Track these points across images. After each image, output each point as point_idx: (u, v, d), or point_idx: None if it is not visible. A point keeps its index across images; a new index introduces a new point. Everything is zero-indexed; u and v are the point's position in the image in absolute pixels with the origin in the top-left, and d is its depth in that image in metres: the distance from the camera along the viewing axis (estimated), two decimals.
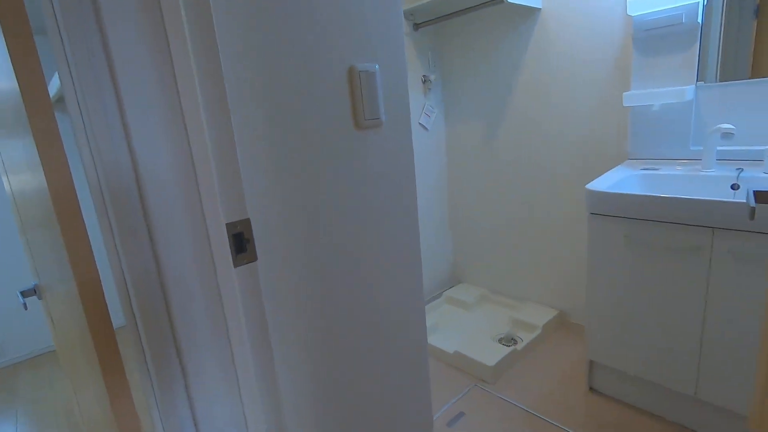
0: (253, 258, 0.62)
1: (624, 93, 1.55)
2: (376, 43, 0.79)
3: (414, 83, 2.12)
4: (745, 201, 1.10)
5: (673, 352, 1.31)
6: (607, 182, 1.42)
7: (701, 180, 1.40)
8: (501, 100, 2.04)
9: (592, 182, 1.43)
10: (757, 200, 0.64)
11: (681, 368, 1.30)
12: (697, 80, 1.45)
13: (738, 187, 1.34)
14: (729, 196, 1.35)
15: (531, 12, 1.83)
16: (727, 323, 1.18)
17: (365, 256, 0.83)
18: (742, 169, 1.36)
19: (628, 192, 1.29)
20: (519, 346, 1.84)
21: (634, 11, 1.48)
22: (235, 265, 0.59)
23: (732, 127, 1.30)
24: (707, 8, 1.40)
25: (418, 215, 0.92)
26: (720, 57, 1.41)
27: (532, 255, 2.13)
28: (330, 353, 0.80)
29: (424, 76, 2.14)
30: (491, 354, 1.77)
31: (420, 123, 2.19)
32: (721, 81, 1.41)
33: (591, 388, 1.60)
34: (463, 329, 2.08)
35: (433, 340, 1.97)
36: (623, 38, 1.60)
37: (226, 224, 0.58)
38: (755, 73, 1.36)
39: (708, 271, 1.19)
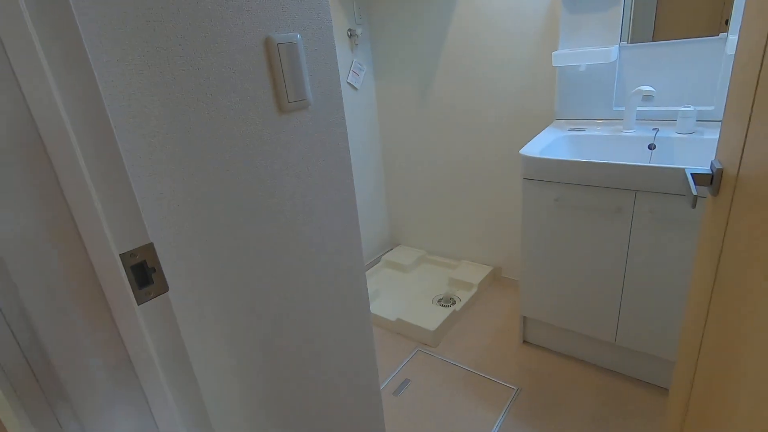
0: (163, 289, 0.51)
1: (553, 53, 1.53)
2: (295, 7, 0.65)
3: (339, 38, 1.94)
4: (660, 165, 1.16)
5: (597, 306, 1.41)
6: (538, 146, 1.43)
7: (622, 140, 1.45)
8: (433, 57, 1.94)
9: (525, 147, 1.43)
10: (696, 182, 0.64)
11: (603, 319, 1.41)
12: (620, 40, 1.47)
13: (654, 147, 1.41)
14: (647, 156, 1.42)
15: None
16: (644, 278, 1.28)
17: (297, 257, 0.74)
18: (658, 129, 1.43)
19: (558, 158, 1.30)
20: (457, 307, 1.89)
21: None
22: (139, 301, 0.48)
23: (652, 89, 1.34)
24: None
25: (356, 205, 0.83)
26: (636, 17, 1.42)
27: (466, 214, 2.16)
28: (273, 373, 0.73)
29: (350, 30, 1.96)
30: (432, 317, 1.80)
31: (348, 82, 2.04)
32: (636, 42, 1.44)
33: (524, 341, 1.70)
34: (403, 293, 2.10)
35: (376, 308, 1.97)
36: None
37: (121, 255, 0.46)
38: (646, 36, 1.41)
39: (630, 230, 1.27)
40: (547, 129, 1.62)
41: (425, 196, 2.27)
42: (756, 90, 0.52)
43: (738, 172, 0.56)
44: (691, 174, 0.65)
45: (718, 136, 1.32)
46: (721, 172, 0.63)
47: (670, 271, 1.23)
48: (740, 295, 0.54)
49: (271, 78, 0.64)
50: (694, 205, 0.59)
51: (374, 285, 2.15)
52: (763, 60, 0.51)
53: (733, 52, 1.27)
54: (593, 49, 1.48)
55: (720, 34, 1.31)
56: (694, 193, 0.59)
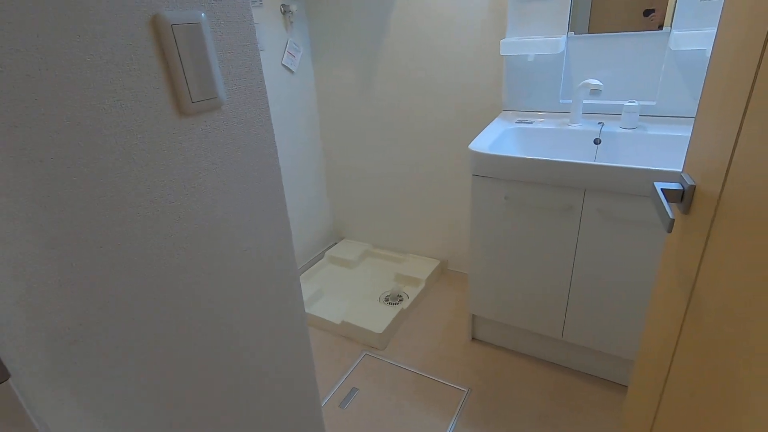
0: (3, 375, 0.36)
1: (501, 41, 1.46)
2: None
3: (272, 15, 1.74)
4: (607, 165, 1.13)
5: (545, 303, 1.39)
6: (487, 139, 1.36)
7: (569, 135, 1.43)
8: (375, 41, 1.80)
9: (473, 141, 1.36)
10: (668, 199, 0.58)
11: (551, 316, 1.40)
12: (568, 30, 1.42)
13: (600, 141, 1.39)
14: (593, 151, 1.40)
15: None
16: (591, 276, 1.27)
17: (223, 300, 0.60)
18: (603, 124, 1.41)
19: (507, 155, 1.24)
20: (405, 304, 1.82)
21: None
22: None
23: (600, 83, 1.31)
24: None
25: (288, 221, 0.70)
26: (577, 7, 1.38)
27: (413, 205, 2.08)
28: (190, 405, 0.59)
29: (283, 5, 1.76)
30: (379, 318, 1.72)
31: (283, 64, 1.85)
32: (578, 33, 1.40)
33: (473, 338, 1.67)
34: (348, 291, 2.00)
35: (319, 309, 1.84)
36: None
37: None
38: (593, 28, 1.38)
39: (578, 228, 1.24)
40: (495, 121, 1.55)
41: (370, 187, 2.16)
42: (751, 93, 0.46)
43: (722, 189, 0.50)
44: (662, 189, 0.59)
45: (660, 132, 1.35)
46: (693, 188, 0.57)
47: (617, 269, 1.23)
48: (732, 336, 0.48)
49: (165, 72, 0.48)
50: (669, 230, 0.53)
51: (317, 284, 2.02)
52: (760, 64, 0.44)
53: (678, 48, 1.27)
54: (542, 38, 1.42)
55: (663, 28, 1.29)
56: (671, 216, 0.53)
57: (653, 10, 1.30)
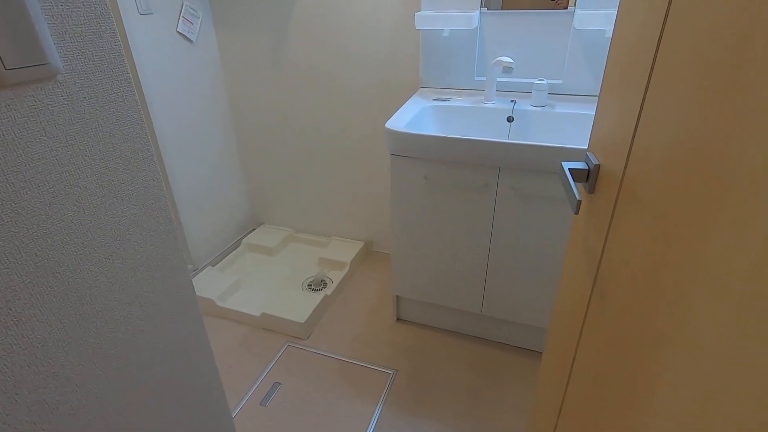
0: None
1: (416, 14, 1.41)
2: None
3: None
4: (517, 142, 1.14)
5: (465, 280, 1.41)
6: (404, 118, 1.32)
7: (484, 112, 1.43)
8: (286, 9, 1.66)
9: (390, 119, 1.31)
10: (574, 179, 0.57)
11: (471, 292, 1.43)
12: (481, 6, 1.41)
13: (512, 119, 1.42)
14: (506, 129, 1.42)
15: None
16: (507, 251, 1.31)
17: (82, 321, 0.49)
18: (515, 102, 1.44)
19: (425, 133, 1.21)
20: (329, 290, 1.76)
21: None
22: None
23: (511, 61, 1.32)
24: None
25: (169, 213, 0.59)
26: None
27: (334, 187, 2.00)
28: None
29: None
30: (302, 306, 1.64)
31: (179, 31, 1.64)
32: (491, 9, 1.40)
33: (398, 319, 1.67)
34: (269, 280, 1.89)
35: (236, 302, 1.72)
36: None
37: None
38: (506, 4, 1.38)
39: (494, 205, 1.26)
40: (412, 98, 1.51)
41: (289, 168, 2.03)
42: (650, 74, 0.44)
43: (625, 169, 0.50)
44: (569, 169, 0.58)
45: (567, 110, 1.40)
46: (598, 168, 0.57)
47: (532, 245, 1.27)
48: (633, 320, 0.48)
49: None
50: (577, 211, 0.52)
51: (234, 274, 1.89)
52: (659, 44, 0.43)
53: (582, 27, 1.31)
54: (456, 12, 1.39)
55: (569, 7, 1.32)
56: (578, 197, 0.51)
57: None
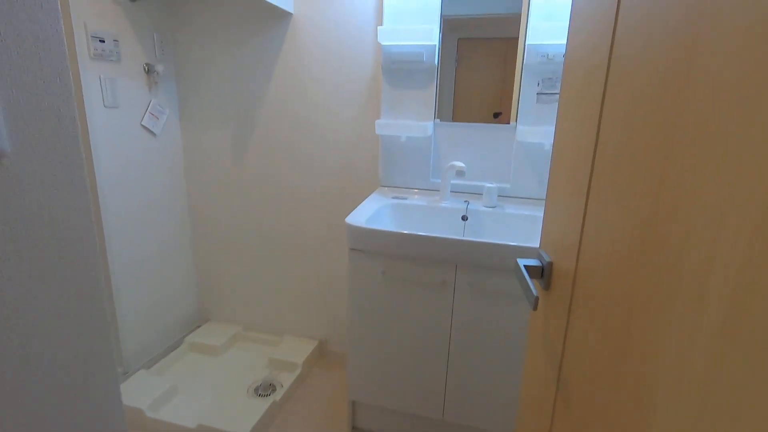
0: None
1: (376, 121, 1.53)
2: None
3: (132, 72, 1.58)
4: (474, 240, 1.19)
5: (425, 382, 1.34)
6: (364, 214, 1.35)
7: (440, 211, 1.50)
8: (251, 109, 1.75)
9: (350, 214, 1.33)
10: (530, 275, 0.58)
11: (431, 396, 1.34)
12: (435, 117, 1.56)
13: (467, 218, 1.49)
14: (461, 227, 1.49)
15: (283, 15, 1.61)
16: (466, 350, 1.27)
17: None
18: (469, 202, 1.52)
19: (384, 229, 1.24)
20: (278, 395, 1.60)
21: (383, 40, 1.46)
22: None
23: (463, 165, 1.43)
24: (441, 53, 1.51)
25: (106, 319, 0.54)
26: (441, 100, 1.54)
27: (288, 282, 1.93)
28: None
29: (147, 64, 1.63)
30: (246, 416, 1.47)
31: (143, 125, 1.66)
32: (444, 120, 1.55)
33: (354, 427, 1.52)
34: (211, 385, 1.70)
35: (169, 412, 1.51)
36: (374, 67, 1.58)
37: None
38: (456, 117, 1.55)
39: (453, 302, 1.25)
40: (372, 196, 1.57)
41: (242, 262, 1.97)
42: (590, 179, 0.49)
43: (576, 265, 0.52)
44: (524, 266, 0.59)
45: (516, 211, 1.50)
46: (551, 265, 0.59)
47: (491, 343, 1.25)
48: (597, 418, 0.46)
49: None
50: (535, 307, 0.52)
51: (171, 379, 1.69)
52: (594, 155, 0.48)
53: (523, 140, 1.47)
54: (412, 122, 1.53)
55: (511, 122, 1.49)
56: (535, 293, 0.52)
57: (500, 113, 1.51)
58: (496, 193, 1.48)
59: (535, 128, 1.41)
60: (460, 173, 1.44)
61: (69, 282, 0.49)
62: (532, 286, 0.54)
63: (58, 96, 0.46)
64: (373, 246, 1.26)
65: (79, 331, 0.51)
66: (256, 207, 1.87)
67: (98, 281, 0.52)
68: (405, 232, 1.22)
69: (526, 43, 1.41)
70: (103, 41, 1.44)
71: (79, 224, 0.49)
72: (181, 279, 1.97)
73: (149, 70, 1.63)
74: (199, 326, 2.08)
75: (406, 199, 1.54)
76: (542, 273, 0.61)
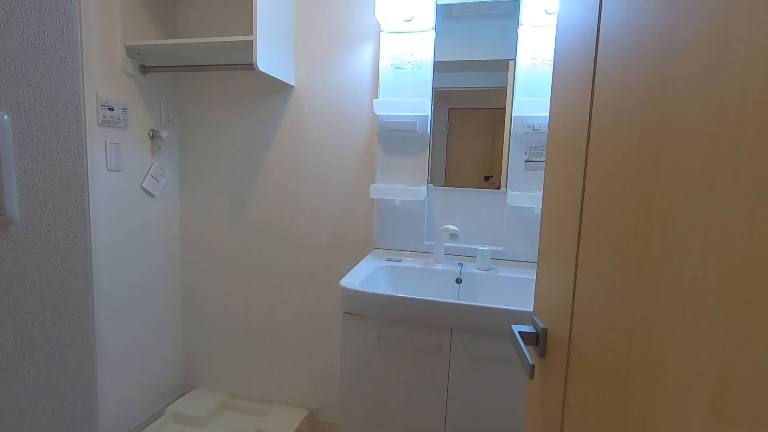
0: None
1: (371, 185, 1.58)
2: (2, 69, 0.41)
3: (137, 138, 1.65)
4: (468, 303, 1.18)
5: None
6: (358, 277, 1.35)
7: (434, 274, 1.50)
8: (250, 174, 1.80)
9: (344, 277, 1.33)
10: (525, 342, 0.58)
11: None
12: (428, 182, 1.61)
13: (461, 281, 1.49)
14: (455, 290, 1.48)
15: (284, 87, 1.72)
16: (464, 418, 1.22)
17: None
18: (462, 264, 1.53)
19: (379, 292, 1.23)
20: None
21: (378, 111, 1.55)
22: None
23: (457, 229, 1.46)
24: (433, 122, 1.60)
25: (95, 392, 0.52)
26: (434, 166, 1.61)
27: (279, 348, 1.87)
28: None
29: (152, 130, 1.70)
30: None
31: (143, 187, 1.70)
32: (437, 185, 1.61)
33: None
34: None
35: None
36: (370, 133, 1.66)
37: None
38: (449, 182, 1.60)
39: (449, 368, 1.22)
40: (366, 258, 1.58)
41: (231, 326, 1.92)
42: (578, 245, 0.50)
43: (570, 332, 0.52)
44: (519, 333, 0.59)
45: (509, 274, 1.51)
46: (545, 331, 0.59)
47: (488, 410, 1.20)
48: None
49: None
50: (531, 376, 0.52)
51: None
52: (581, 221, 0.50)
53: (514, 204, 1.51)
54: (406, 186, 1.58)
55: (502, 188, 1.55)
56: (530, 362, 0.52)
57: (491, 177, 1.57)
58: (489, 256, 1.49)
59: (524, 193, 1.46)
60: (453, 236, 1.46)
61: (58, 356, 0.48)
62: (527, 354, 0.53)
63: (71, 166, 0.48)
64: (367, 310, 1.25)
65: (61, 409, 0.49)
66: (249, 269, 1.86)
67: (89, 353, 0.51)
68: (400, 295, 1.21)
69: (513, 114, 1.50)
70: (113, 109, 1.51)
71: (76, 289, 0.49)
72: (168, 341, 1.91)
73: (153, 136, 1.70)
74: (183, 394, 1.97)
75: (400, 261, 1.55)
76: (537, 340, 0.60)
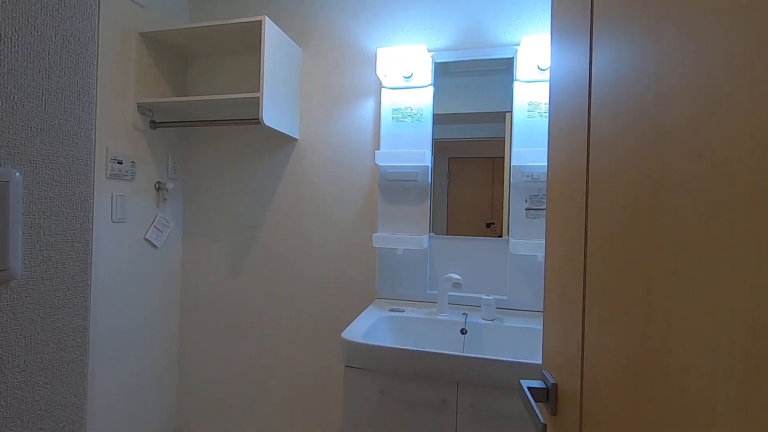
0: None
1: (373, 234, 1.58)
2: (20, 134, 0.43)
3: (143, 189, 1.68)
4: (474, 356, 1.15)
5: None
6: (360, 328, 1.32)
7: (438, 324, 1.47)
8: (252, 225, 1.82)
9: (346, 329, 1.30)
10: (535, 399, 0.55)
11: None
12: (430, 231, 1.62)
13: (466, 331, 1.45)
14: (461, 341, 1.44)
15: (288, 140, 1.78)
16: None
17: None
18: (467, 314, 1.50)
19: (382, 344, 1.20)
20: None
21: (380, 162, 1.59)
22: None
23: (460, 277, 1.44)
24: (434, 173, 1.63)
25: None
26: (435, 214, 1.62)
27: (278, 404, 1.79)
28: None
29: (158, 183, 1.73)
30: None
31: (146, 238, 1.71)
32: (438, 234, 1.61)
33: None
34: None
35: None
36: (371, 184, 1.69)
37: None
38: (450, 231, 1.61)
39: (456, 425, 1.16)
40: (368, 308, 1.55)
41: (229, 381, 1.85)
42: (584, 296, 0.49)
43: (582, 388, 0.50)
44: (528, 388, 0.57)
45: (515, 324, 1.47)
46: (555, 387, 0.57)
47: None
48: None
49: None
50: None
51: None
52: (585, 274, 0.49)
53: (516, 252, 1.50)
54: (408, 235, 1.58)
55: (503, 236, 1.55)
56: (542, 421, 0.49)
57: (493, 223, 1.58)
58: (494, 305, 1.46)
59: (527, 241, 1.46)
60: (456, 285, 1.44)
61: (47, 417, 0.46)
62: (538, 412, 0.51)
63: (76, 220, 0.49)
64: (370, 363, 1.21)
65: None
66: (249, 320, 1.82)
67: (82, 412, 0.49)
68: (404, 347, 1.18)
69: (512, 164, 1.54)
70: (121, 162, 1.55)
71: (71, 345, 0.48)
72: (163, 399, 1.83)
73: (159, 188, 1.73)
74: None
75: (403, 311, 1.52)
76: (548, 396, 0.58)
